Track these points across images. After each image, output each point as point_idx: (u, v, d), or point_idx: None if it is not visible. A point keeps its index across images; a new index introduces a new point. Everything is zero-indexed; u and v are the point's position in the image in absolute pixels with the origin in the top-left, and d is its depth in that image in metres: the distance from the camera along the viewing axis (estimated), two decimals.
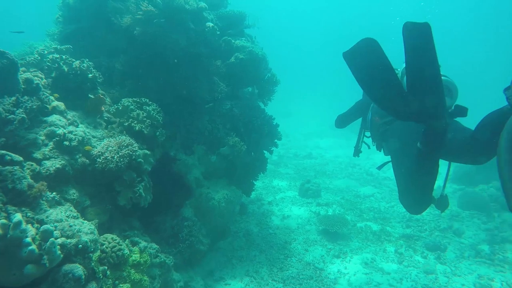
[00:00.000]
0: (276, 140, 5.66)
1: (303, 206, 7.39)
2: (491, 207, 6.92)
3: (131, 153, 3.09)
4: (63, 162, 2.57)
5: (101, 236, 2.55)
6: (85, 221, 2.32)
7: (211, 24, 4.66)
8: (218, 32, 4.69)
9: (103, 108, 3.60)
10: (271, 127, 5.42)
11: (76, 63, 3.26)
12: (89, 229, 2.21)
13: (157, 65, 4.64)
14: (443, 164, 2.76)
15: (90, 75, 3.39)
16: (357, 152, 4.03)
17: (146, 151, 3.45)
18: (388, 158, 3.31)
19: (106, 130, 3.43)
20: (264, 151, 5.76)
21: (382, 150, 3.49)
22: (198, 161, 4.95)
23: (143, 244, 3.13)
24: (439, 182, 2.87)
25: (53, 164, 2.50)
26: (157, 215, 4.71)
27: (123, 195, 3.09)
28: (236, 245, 5.45)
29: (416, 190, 2.60)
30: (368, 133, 3.78)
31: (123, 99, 3.66)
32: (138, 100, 3.76)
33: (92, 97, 3.49)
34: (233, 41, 5.16)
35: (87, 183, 2.98)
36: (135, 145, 3.21)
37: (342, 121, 4.08)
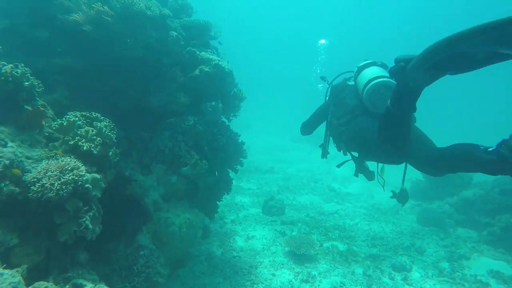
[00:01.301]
0: (241, 159, 5.35)
1: (268, 225, 7.11)
2: (447, 223, 7.21)
3: (76, 178, 2.59)
4: None
5: (30, 287, 2.03)
6: (6, 271, 1.81)
7: (174, 33, 4.30)
8: (182, 42, 4.34)
9: (43, 122, 3.05)
10: (236, 145, 5.11)
11: (8, 67, 2.71)
12: (10, 283, 1.71)
13: (111, 73, 4.15)
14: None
15: (26, 83, 2.84)
16: (325, 153, 4.01)
17: (96, 175, 2.94)
18: (347, 157, 3.45)
19: (46, 149, 2.88)
20: (229, 170, 5.41)
21: (341, 150, 3.54)
22: (157, 182, 4.47)
23: (89, 287, 2.61)
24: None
25: None
26: (109, 242, 4.14)
27: (64, 228, 2.56)
28: (197, 271, 4.99)
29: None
30: None
31: (68, 113, 3.13)
32: (88, 114, 3.26)
33: (29, 109, 2.94)
34: (198, 52, 4.82)
35: (16, 214, 2.43)
36: (82, 168, 2.71)
37: (308, 127, 4.05)
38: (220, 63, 4.69)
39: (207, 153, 4.72)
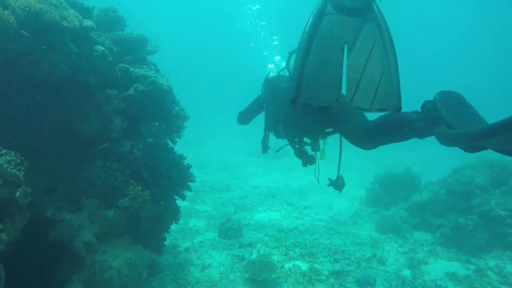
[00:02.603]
0: (189, 183, 4.87)
1: (225, 250, 6.63)
2: (404, 228, 7.31)
3: None
4: None
5: None
6: None
7: (101, 48, 3.78)
8: (111, 58, 3.84)
9: None
10: (182, 169, 4.62)
11: None
12: None
13: (24, 96, 3.52)
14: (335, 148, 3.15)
15: None
16: (265, 148, 3.99)
17: None
18: (284, 142, 3.49)
19: None
20: (176, 197, 4.90)
21: (280, 137, 3.61)
22: (89, 219, 3.84)
23: None
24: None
25: None
26: None
27: None
28: None
29: None
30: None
31: None
32: None
33: None
34: (131, 69, 4.33)
35: None
36: None
37: (244, 117, 4.02)
38: (157, 80, 4.24)
39: (148, 181, 4.19)
